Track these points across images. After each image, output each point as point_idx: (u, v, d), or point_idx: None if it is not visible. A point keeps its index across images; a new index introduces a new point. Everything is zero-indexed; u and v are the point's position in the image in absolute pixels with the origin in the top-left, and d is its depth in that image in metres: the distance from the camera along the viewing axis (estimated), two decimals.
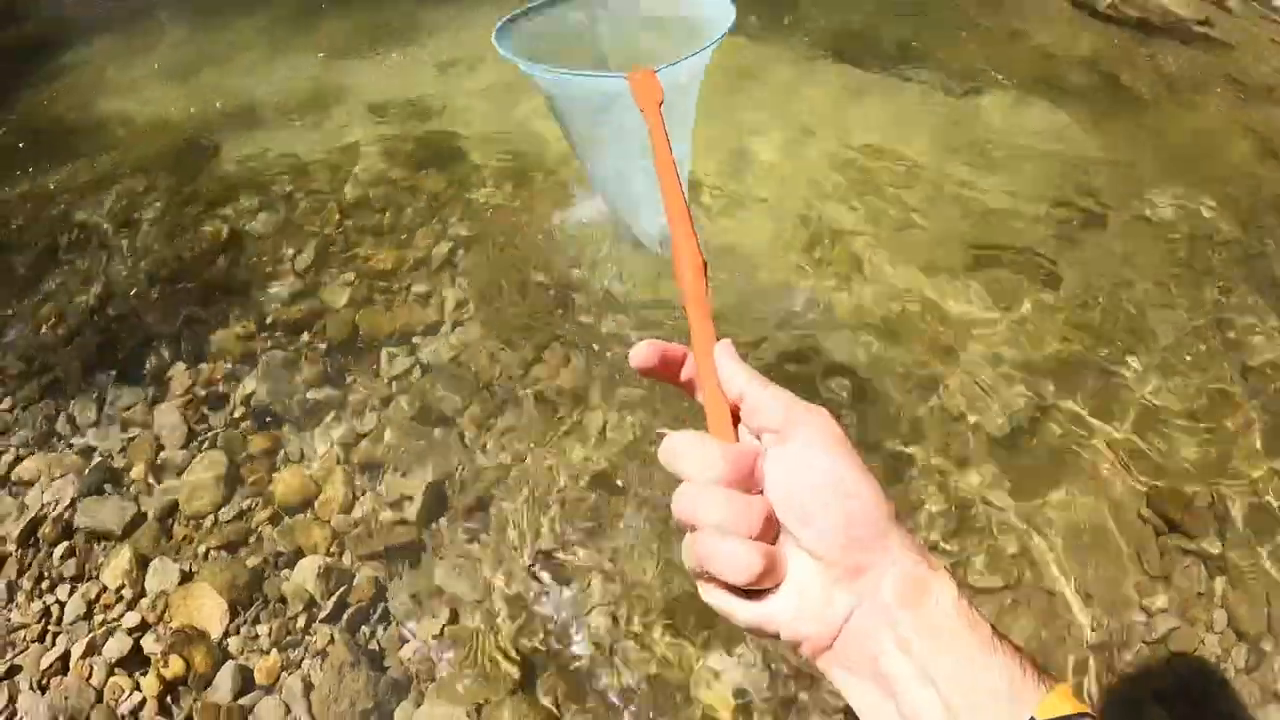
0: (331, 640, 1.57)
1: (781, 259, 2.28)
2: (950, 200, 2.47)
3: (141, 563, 1.66)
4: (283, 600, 1.62)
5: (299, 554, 1.66)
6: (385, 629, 1.59)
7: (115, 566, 1.66)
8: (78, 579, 1.68)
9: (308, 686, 1.53)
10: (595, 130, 1.51)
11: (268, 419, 1.87)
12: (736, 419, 0.50)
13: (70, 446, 1.89)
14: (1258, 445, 1.83)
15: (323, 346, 2.04)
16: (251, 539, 1.68)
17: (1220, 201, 2.46)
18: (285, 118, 2.98)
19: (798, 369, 1.95)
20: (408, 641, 1.58)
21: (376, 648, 1.57)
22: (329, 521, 1.71)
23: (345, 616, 1.59)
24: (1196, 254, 2.31)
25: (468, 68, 3.25)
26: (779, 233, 2.37)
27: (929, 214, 2.42)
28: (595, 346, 2.04)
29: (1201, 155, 2.66)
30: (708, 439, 0.48)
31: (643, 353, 0.52)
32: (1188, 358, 2.01)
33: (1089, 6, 3.46)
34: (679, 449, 0.47)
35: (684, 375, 0.53)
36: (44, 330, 2.21)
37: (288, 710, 1.52)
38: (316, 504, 1.73)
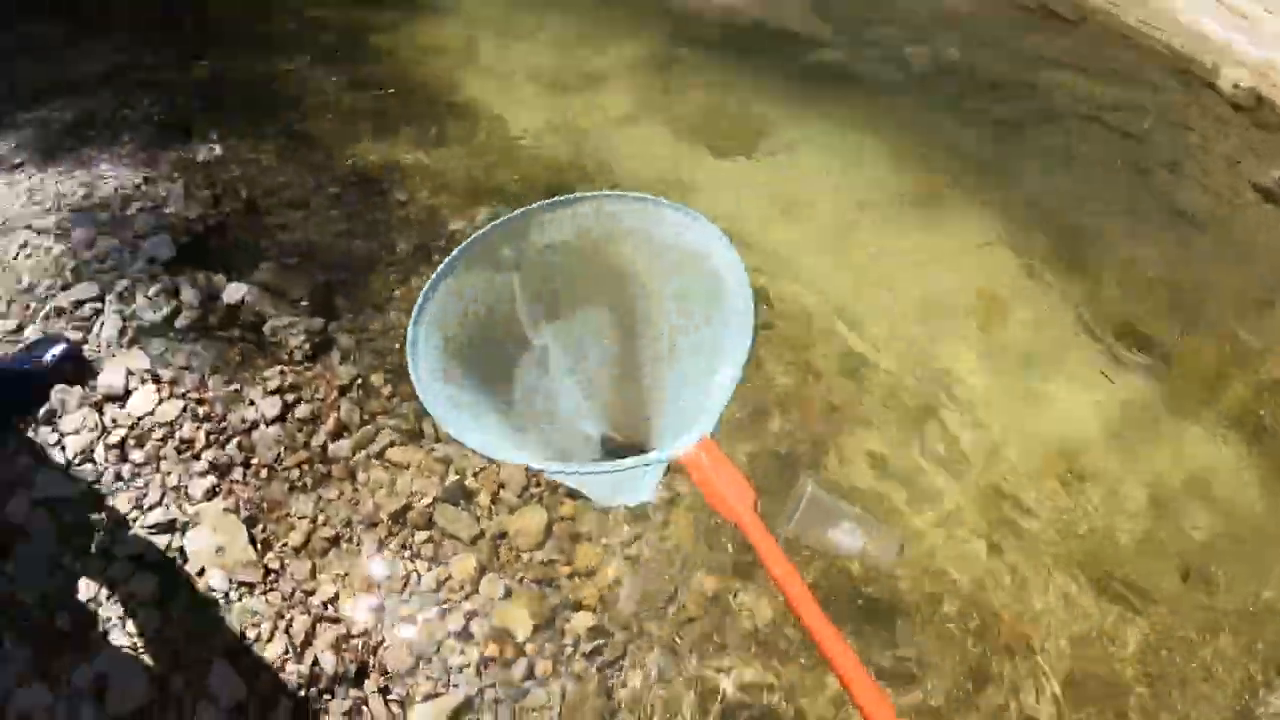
0: (586, 669, 2.41)
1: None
2: (1089, 513, 2.70)
3: (480, 570, 2.47)
4: (562, 633, 2.44)
5: (579, 606, 2.47)
6: (618, 675, 2.43)
7: (464, 565, 2.46)
8: (433, 560, 2.48)
9: (564, 692, 2.37)
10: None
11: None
12: None
13: (432, 452, 2.66)
14: None
15: None
16: (553, 581, 2.49)
17: None
18: None
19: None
20: (625, 686, 2.42)
21: (610, 683, 2.41)
22: (597, 589, 2.52)
23: (599, 658, 2.42)
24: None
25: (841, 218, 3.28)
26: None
27: (1067, 522, 2.67)
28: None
29: None
30: None
31: None
32: None
33: None
34: None
35: None
36: None
37: (547, 700, 2.37)
38: (595, 574, 2.53)
